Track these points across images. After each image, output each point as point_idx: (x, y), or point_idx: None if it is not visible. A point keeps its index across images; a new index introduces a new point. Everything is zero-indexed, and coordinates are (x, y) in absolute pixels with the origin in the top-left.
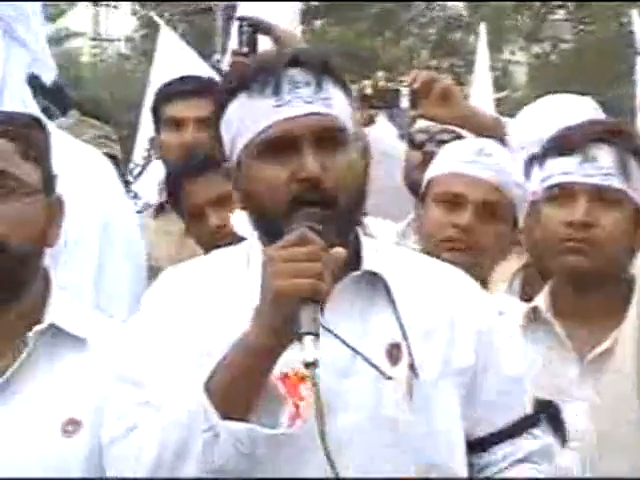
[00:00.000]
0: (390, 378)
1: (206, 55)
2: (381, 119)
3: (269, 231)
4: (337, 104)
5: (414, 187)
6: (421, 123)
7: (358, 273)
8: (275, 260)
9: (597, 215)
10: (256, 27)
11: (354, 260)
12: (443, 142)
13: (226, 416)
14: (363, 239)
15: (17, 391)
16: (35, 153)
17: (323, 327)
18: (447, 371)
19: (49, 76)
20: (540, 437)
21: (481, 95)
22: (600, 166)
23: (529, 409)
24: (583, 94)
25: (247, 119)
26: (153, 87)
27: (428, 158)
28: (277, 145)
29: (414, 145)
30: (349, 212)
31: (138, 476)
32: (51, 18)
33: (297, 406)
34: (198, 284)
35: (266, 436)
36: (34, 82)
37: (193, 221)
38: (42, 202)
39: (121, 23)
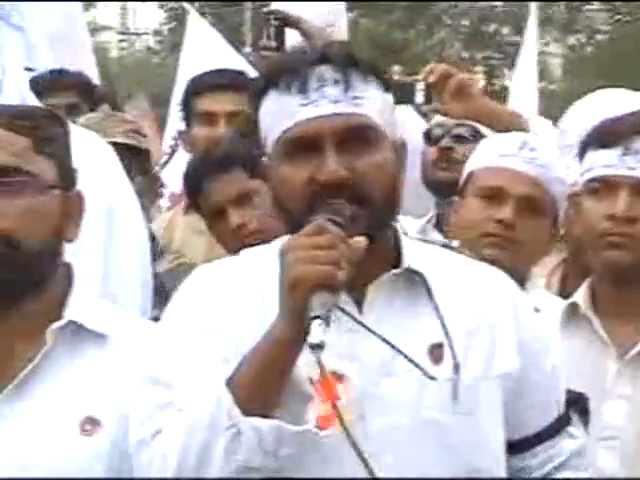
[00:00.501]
0: (434, 378)
1: (235, 49)
2: (405, 110)
3: (293, 231)
4: (368, 102)
5: (431, 184)
6: (438, 118)
7: (398, 270)
8: (291, 249)
9: (639, 209)
10: (284, 21)
11: (394, 259)
12: (460, 137)
13: (248, 413)
14: (403, 238)
15: (36, 388)
16: (51, 148)
17: (364, 326)
18: (490, 374)
19: (44, 64)
20: (577, 436)
21: (524, 85)
22: None
23: (563, 405)
24: (620, 86)
25: (275, 116)
26: (182, 77)
27: (444, 154)
28: (299, 145)
29: (430, 141)
30: (382, 211)
31: (164, 476)
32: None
33: (334, 406)
34: (230, 283)
35: (292, 433)
36: (59, 77)
37: (214, 221)
38: (58, 198)
39: (149, 16)
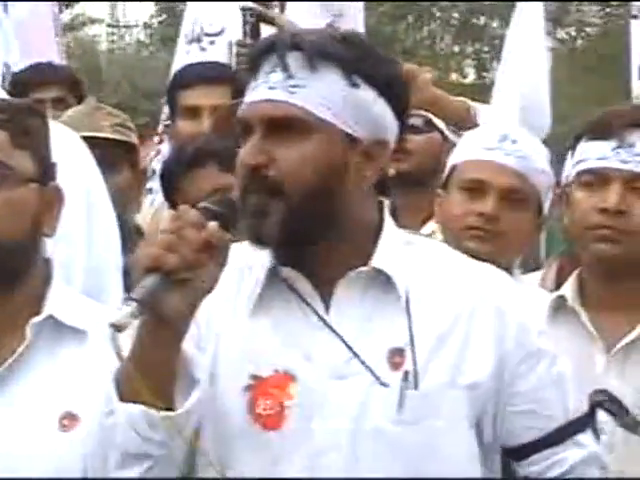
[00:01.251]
0: (384, 384)
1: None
2: None
3: None
4: (309, 92)
5: None
6: None
7: (363, 269)
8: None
9: (631, 203)
10: (259, 17)
11: (370, 256)
12: (413, 127)
13: (132, 399)
14: (388, 231)
15: (15, 383)
16: (29, 141)
17: (325, 323)
18: (455, 383)
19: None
20: (585, 445)
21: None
22: (636, 152)
23: (573, 413)
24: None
25: None
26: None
27: (398, 144)
28: (241, 129)
29: None
30: (302, 207)
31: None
32: (67, 4)
33: (282, 405)
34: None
35: (161, 418)
36: (45, 70)
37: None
38: (36, 191)
39: (139, 9)
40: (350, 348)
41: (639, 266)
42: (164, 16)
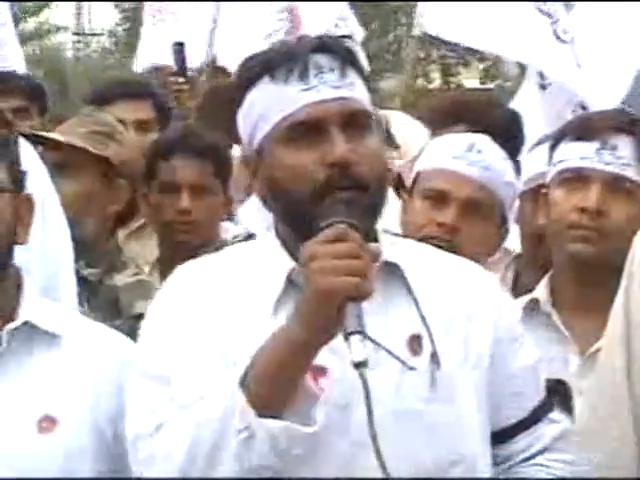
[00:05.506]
0: (413, 369)
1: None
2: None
3: (295, 220)
4: (360, 90)
5: None
6: None
7: (376, 264)
8: (318, 257)
9: (610, 204)
10: (179, 45)
11: None
12: None
13: (261, 414)
14: (380, 230)
15: None
16: (2, 151)
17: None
18: (465, 363)
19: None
20: (559, 421)
21: None
22: (619, 155)
23: (543, 393)
24: None
25: (271, 104)
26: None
27: None
28: (304, 130)
29: None
30: (378, 197)
31: (168, 475)
32: (32, 12)
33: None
34: (216, 280)
35: (303, 434)
36: (6, 80)
37: (162, 193)
38: (10, 200)
39: (104, 17)
40: (374, 341)
41: (612, 268)
42: (128, 24)
